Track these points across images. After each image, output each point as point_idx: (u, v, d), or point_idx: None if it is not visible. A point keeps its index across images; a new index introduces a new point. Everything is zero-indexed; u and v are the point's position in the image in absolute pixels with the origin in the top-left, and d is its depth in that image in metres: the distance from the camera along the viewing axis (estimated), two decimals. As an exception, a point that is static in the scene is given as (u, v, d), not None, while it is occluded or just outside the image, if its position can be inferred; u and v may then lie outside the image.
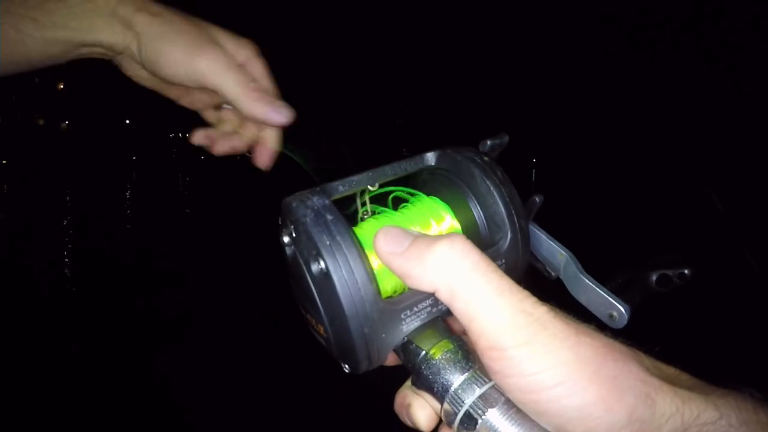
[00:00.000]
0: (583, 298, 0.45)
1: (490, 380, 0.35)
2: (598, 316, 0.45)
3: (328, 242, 0.33)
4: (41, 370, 2.19)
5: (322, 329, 0.36)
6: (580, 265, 0.45)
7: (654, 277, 0.50)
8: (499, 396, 0.34)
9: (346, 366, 0.37)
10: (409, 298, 0.35)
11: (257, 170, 0.63)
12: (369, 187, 0.39)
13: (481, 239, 0.40)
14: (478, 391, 0.34)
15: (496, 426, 0.33)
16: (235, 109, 0.58)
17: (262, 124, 0.60)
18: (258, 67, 0.58)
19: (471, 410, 0.34)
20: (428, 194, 0.42)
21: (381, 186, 0.41)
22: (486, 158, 0.40)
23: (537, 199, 0.43)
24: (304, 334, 0.39)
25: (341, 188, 0.38)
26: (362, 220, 0.40)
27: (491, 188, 0.39)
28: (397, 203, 0.42)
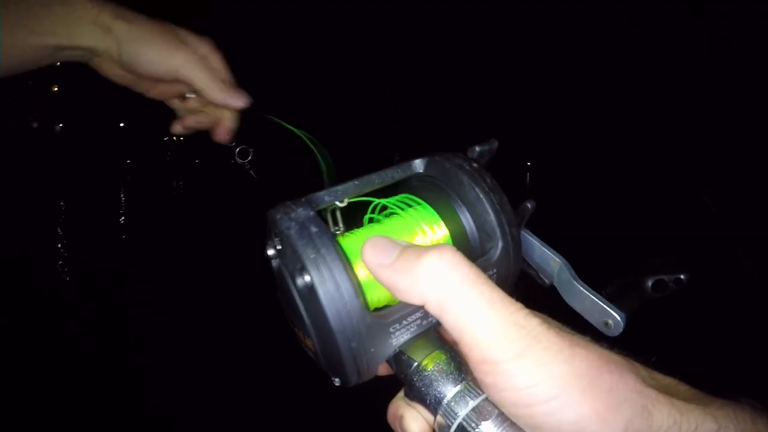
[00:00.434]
0: (577, 306, 0.44)
1: (484, 392, 0.34)
2: (593, 323, 0.44)
3: (312, 255, 0.32)
4: (37, 370, 2.18)
5: (310, 343, 0.35)
6: (574, 272, 0.45)
7: (650, 283, 0.49)
8: (493, 409, 0.33)
9: (336, 380, 0.36)
10: (399, 311, 0.34)
11: (252, 174, 0.71)
12: (338, 204, 0.38)
13: (472, 249, 0.39)
14: (472, 404, 0.33)
15: None
16: (198, 97, 0.68)
17: (223, 108, 0.70)
18: (216, 59, 0.68)
19: (464, 423, 0.33)
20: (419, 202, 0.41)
21: (368, 195, 0.40)
22: (475, 165, 0.39)
23: (528, 205, 0.42)
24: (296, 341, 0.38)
25: (327, 198, 0.37)
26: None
27: (480, 196, 0.38)
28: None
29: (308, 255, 0.32)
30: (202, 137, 0.73)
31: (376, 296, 0.37)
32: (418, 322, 0.35)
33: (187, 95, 0.71)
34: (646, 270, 0.48)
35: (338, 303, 0.31)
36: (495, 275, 0.38)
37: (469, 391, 0.34)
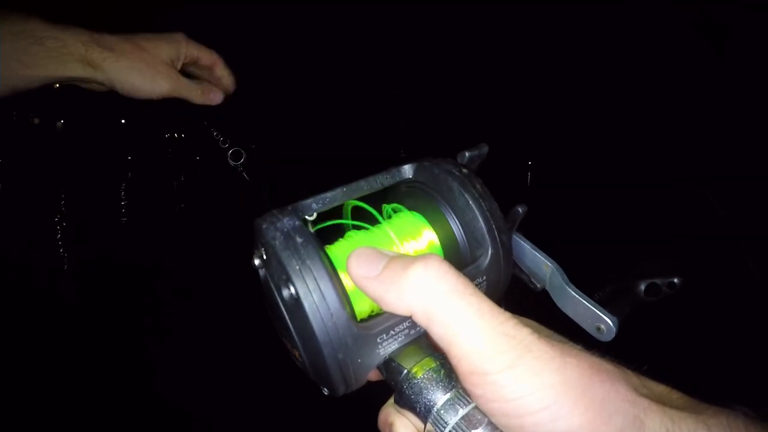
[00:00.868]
0: (569, 311, 0.44)
1: (473, 401, 0.34)
2: (585, 328, 0.43)
3: (297, 267, 0.31)
4: (37, 370, 2.19)
5: (297, 354, 0.35)
6: (566, 277, 0.44)
7: (643, 287, 0.48)
8: (483, 417, 0.33)
9: (325, 389, 0.36)
10: (386, 321, 0.34)
11: (245, 176, 0.73)
12: (308, 217, 0.38)
13: (461, 256, 0.38)
14: (462, 412, 0.33)
15: None
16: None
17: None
18: (193, 47, 0.76)
19: None
20: (409, 209, 0.41)
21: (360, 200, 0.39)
22: (465, 170, 0.39)
23: (520, 210, 0.42)
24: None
25: (314, 206, 0.37)
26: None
27: (470, 202, 0.37)
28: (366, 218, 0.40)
29: (293, 266, 0.31)
30: (202, 136, 0.80)
31: (363, 306, 0.37)
32: (406, 331, 0.35)
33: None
34: (639, 274, 0.48)
35: (324, 315, 0.31)
36: (485, 282, 0.37)
37: (459, 399, 0.34)
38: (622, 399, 0.31)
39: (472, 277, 0.36)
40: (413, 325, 0.35)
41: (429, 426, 0.35)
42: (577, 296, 0.43)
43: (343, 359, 0.32)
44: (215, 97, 0.79)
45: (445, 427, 0.33)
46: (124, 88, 0.72)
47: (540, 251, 0.45)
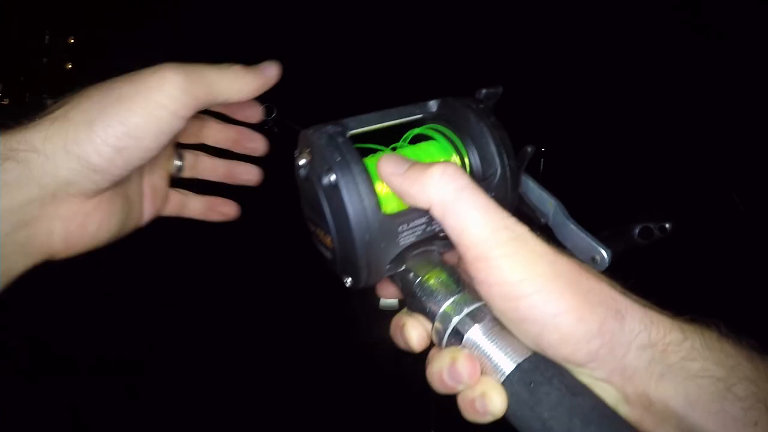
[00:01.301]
0: (569, 243, 0.49)
1: (478, 302, 0.38)
2: (582, 259, 0.48)
3: (338, 159, 0.37)
4: (36, 369, 2.18)
5: (329, 240, 0.40)
6: (567, 213, 0.49)
7: (636, 230, 0.53)
8: (485, 314, 0.38)
9: (348, 279, 0.41)
10: (407, 214, 0.39)
11: (275, 130, 0.69)
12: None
13: (475, 175, 0.44)
14: (466, 310, 0.38)
15: (480, 340, 0.36)
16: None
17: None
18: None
19: (458, 326, 0.37)
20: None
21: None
22: (482, 106, 0.45)
23: (529, 149, 0.47)
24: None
25: (352, 124, 0.43)
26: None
27: (484, 130, 0.43)
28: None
29: (335, 158, 0.37)
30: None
31: (387, 209, 0.42)
32: (423, 227, 0.40)
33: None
34: (634, 219, 0.53)
35: (356, 198, 0.37)
36: (493, 197, 0.43)
37: (465, 300, 0.38)
38: (606, 295, 0.35)
39: None
40: (429, 221, 0.40)
41: (437, 324, 0.39)
42: (576, 229, 0.48)
43: (369, 241, 0.37)
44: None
45: (450, 323, 0.38)
46: None
47: (545, 189, 0.50)
